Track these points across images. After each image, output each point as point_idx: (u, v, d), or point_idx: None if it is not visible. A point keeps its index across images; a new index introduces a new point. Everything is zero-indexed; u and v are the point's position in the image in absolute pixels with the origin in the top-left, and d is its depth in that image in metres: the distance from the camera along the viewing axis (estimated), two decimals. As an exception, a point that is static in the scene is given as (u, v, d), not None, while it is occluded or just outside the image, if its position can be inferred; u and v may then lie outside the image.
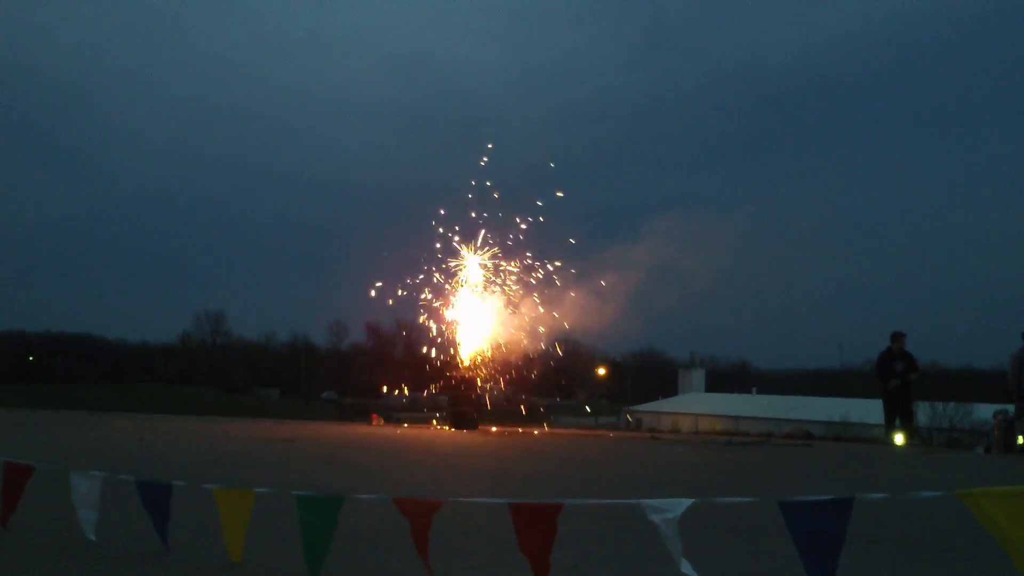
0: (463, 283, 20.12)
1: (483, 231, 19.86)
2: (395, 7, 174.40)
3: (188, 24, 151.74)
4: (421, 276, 20.10)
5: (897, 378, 14.11)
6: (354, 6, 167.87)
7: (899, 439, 15.06)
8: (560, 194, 20.65)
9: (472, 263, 20.06)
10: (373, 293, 20.56)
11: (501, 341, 20.45)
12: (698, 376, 61.90)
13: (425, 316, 20.49)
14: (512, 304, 20.04)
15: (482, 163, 20.39)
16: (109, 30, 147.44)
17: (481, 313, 20.36)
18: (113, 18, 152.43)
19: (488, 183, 20.07)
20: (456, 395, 18.80)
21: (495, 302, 20.20)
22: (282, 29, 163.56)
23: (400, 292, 20.16)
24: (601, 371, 63.85)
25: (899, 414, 14.24)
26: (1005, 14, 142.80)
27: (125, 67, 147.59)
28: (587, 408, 57.22)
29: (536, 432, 18.44)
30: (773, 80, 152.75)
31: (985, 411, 14.40)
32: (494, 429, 18.66)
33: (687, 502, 3.00)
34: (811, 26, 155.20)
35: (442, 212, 20.18)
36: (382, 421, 21.90)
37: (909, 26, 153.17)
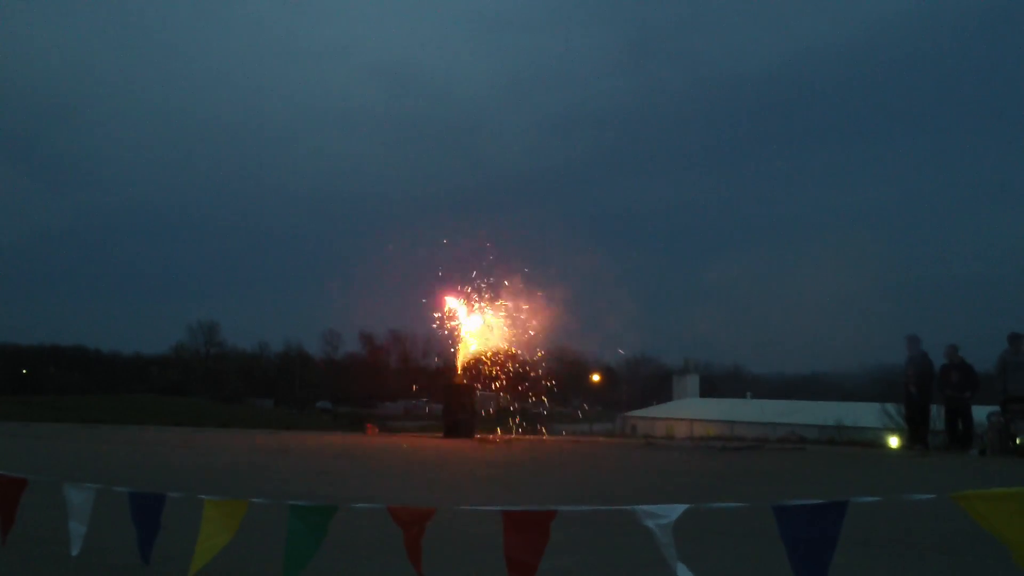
0: (457, 301, 20.07)
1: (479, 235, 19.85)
2: (379, 18, 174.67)
3: (176, 37, 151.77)
4: (417, 285, 20.09)
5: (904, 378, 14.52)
6: (339, 17, 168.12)
7: (893, 442, 15.10)
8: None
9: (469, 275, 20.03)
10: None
11: (496, 349, 20.40)
12: (692, 381, 61.96)
13: (421, 325, 20.46)
14: (507, 313, 20.00)
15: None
16: (97, 44, 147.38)
17: (476, 322, 20.32)
18: (101, 32, 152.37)
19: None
20: (451, 403, 18.75)
21: (490, 313, 20.16)
22: (269, 42, 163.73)
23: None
24: (596, 377, 63.79)
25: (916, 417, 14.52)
26: (988, 20, 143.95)
27: (114, 80, 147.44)
28: (581, 414, 57.16)
29: (531, 439, 18.40)
30: (757, 86, 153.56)
31: (979, 413, 14.42)
32: (489, 437, 18.61)
33: (682, 507, 2.98)
34: (794, 33, 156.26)
35: (438, 220, 20.18)
36: (377, 430, 21.78)
37: (893, 33, 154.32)
